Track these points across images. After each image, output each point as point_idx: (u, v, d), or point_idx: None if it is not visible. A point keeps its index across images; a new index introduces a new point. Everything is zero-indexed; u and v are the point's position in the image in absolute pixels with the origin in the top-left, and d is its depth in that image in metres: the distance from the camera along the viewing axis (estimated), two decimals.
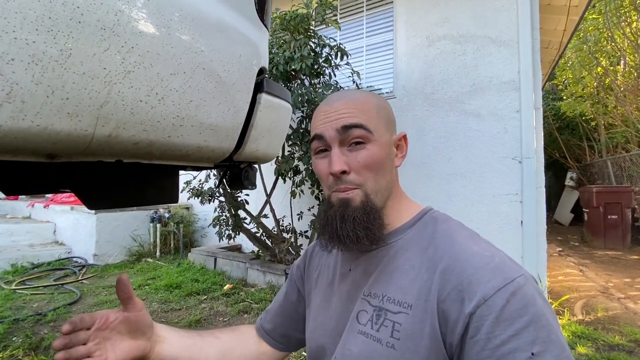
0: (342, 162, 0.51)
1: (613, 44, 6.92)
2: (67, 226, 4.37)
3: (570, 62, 8.12)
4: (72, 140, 0.56)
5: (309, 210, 3.25)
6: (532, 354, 0.38)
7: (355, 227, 0.50)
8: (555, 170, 8.90)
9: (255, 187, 1.14)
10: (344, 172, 0.51)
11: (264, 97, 0.91)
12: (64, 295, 2.88)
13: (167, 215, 4.38)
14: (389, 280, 0.51)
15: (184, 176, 3.41)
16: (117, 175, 0.86)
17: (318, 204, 3.11)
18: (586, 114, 7.98)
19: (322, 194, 3.01)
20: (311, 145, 0.57)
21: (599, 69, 7.46)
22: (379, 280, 0.52)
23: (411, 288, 0.48)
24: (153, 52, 0.60)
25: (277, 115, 0.99)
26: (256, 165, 1.19)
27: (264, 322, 0.73)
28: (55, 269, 3.64)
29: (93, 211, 3.91)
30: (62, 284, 3.15)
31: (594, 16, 7.15)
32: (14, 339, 2.12)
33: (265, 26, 0.96)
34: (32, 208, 5.15)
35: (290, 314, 0.71)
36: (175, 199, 1.09)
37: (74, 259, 4.02)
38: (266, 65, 0.95)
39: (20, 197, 5.60)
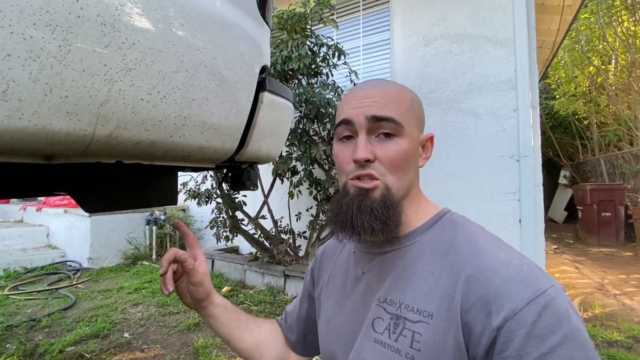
0: (368, 150, 0.49)
1: (605, 43, 7.01)
2: (60, 229, 4.30)
3: (563, 62, 8.21)
4: (71, 141, 0.53)
5: (307, 211, 3.23)
6: None
7: (371, 219, 0.47)
8: (548, 168, 8.97)
9: (257, 188, 1.13)
10: (368, 161, 0.49)
11: (266, 96, 0.89)
12: (59, 300, 2.83)
13: (163, 217, 4.33)
14: (407, 286, 0.48)
15: (180, 177, 3.37)
16: (115, 177, 0.84)
17: (316, 205, 3.10)
18: (579, 112, 8.08)
19: (320, 194, 3.00)
20: (336, 130, 0.54)
21: (591, 68, 7.56)
22: (395, 286, 0.50)
23: (431, 296, 0.45)
24: (155, 49, 0.58)
25: (279, 114, 0.97)
26: (257, 167, 1.17)
27: (287, 331, 0.72)
28: (49, 274, 3.57)
29: (87, 214, 3.85)
30: (57, 289, 3.09)
31: (585, 16, 7.23)
32: (7, 345, 2.07)
33: (267, 23, 0.94)
34: (24, 211, 5.06)
35: (305, 320, 0.70)
36: (174, 201, 1.07)
37: (68, 263, 3.96)
38: (268, 63, 0.93)
39: (11, 200, 5.50)
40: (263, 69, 0.90)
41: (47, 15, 0.46)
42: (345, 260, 0.63)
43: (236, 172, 1.02)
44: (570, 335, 0.37)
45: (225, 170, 1.09)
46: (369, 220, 0.47)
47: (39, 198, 5.09)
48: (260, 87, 0.89)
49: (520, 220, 2.57)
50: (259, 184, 3.24)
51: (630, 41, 6.38)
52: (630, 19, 6.40)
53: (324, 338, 0.60)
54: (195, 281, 0.63)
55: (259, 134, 0.90)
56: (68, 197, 0.83)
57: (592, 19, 7.15)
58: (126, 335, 2.21)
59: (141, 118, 0.61)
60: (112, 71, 0.54)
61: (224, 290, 3.01)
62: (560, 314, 0.38)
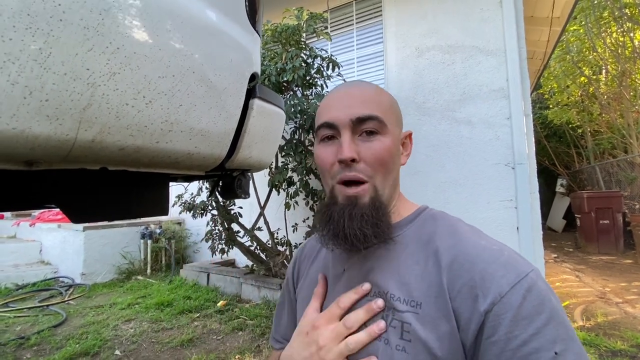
0: (352, 149, 0.48)
1: (595, 53, 7.16)
2: (54, 245, 4.23)
3: (554, 72, 8.35)
4: (52, 145, 0.52)
5: (304, 222, 3.20)
6: (556, 353, 0.36)
7: (362, 225, 0.46)
8: (545, 177, 9.01)
9: (249, 196, 1.11)
10: (353, 161, 0.48)
11: (256, 103, 0.89)
12: (49, 317, 2.76)
13: (158, 230, 4.28)
14: (391, 277, 0.48)
15: (175, 190, 3.35)
16: (104, 187, 0.82)
17: (313, 216, 3.07)
18: (572, 121, 8.17)
19: (317, 205, 2.98)
20: (318, 132, 0.52)
21: (583, 78, 7.68)
22: (380, 277, 0.49)
23: (418, 284, 0.45)
24: (140, 54, 0.58)
25: (270, 121, 0.97)
26: (249, 174, 1.16)
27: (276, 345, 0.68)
28: (40, 290, 3.50)
29: (81, 228, 3.80)
30: (47, 305, 3.02)
31: (575, 27, 7.41)
32: None
33: (257, 32, 0.95)
34: (17, 227, 4.99)
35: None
36: (165, 211, 1.05)
37: (61, 279, 3.88)
38: (259, 71, 0.93)
39: (5, 216, 5.44)
40: (253, 77, 0.90)
41: (27, 18, 0.46)
42: (323, 261, 0.61)
43: (227, 180, 1.01)
44: (554, 316, 0.38)
45: (217, 178, 1.07)
46: (360, 226, 0.46)
47: (33, 213, 5.03)
48: (251, 94, 0.89)
49: (517, 228, 2.56)
50: (255, 195, 3.22)
51: (619, 51, 6.52)
52: (619, 30, 6.56)
53: None
54: None
55: (249, 141, 0.89)
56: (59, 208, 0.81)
57: (581, 31, 7.32)
58: (117, 352, 2.14)
59: (126, 123, 0.60)
60: (95, 75, 0.53)
61: (219, 304, 2.95)
62: (542, 295, 0.39)
